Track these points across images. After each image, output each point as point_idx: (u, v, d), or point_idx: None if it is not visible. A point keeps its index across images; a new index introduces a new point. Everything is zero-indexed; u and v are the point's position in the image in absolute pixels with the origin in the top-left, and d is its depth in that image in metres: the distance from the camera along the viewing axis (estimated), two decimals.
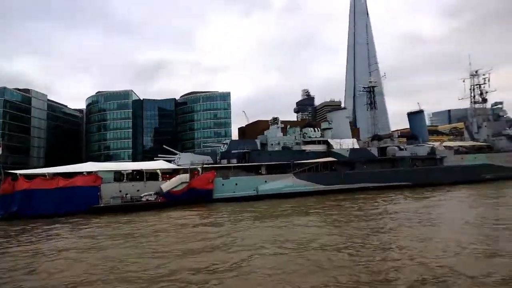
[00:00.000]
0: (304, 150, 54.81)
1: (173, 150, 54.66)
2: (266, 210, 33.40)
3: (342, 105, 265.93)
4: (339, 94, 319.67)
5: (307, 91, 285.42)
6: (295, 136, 56.16)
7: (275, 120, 57.75)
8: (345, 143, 56.31)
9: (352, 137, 65.85)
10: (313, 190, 50.50)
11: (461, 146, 70.64)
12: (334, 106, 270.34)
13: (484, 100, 74.32)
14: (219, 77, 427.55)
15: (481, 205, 31.97)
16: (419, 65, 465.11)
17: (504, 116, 76.15)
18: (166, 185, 42.94)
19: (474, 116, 74.39)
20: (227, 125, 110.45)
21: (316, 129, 58.71)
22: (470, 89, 74.47)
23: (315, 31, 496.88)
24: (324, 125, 59.75)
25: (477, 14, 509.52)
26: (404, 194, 44.41)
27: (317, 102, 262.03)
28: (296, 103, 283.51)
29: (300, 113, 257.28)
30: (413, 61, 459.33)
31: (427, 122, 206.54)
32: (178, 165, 48.78)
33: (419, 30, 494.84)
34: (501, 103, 76.30)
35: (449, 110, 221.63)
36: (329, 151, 55.39)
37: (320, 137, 57.39)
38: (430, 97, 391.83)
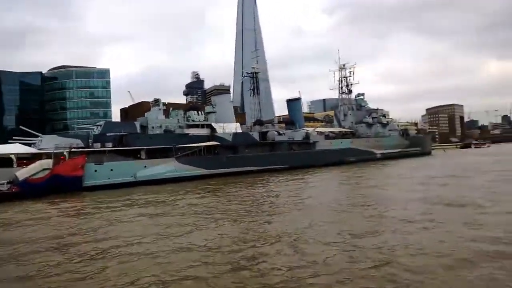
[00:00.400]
0: (187, 134, 53.52)
1: (33, 132, 47.22)
2: (137, 198, 31.38)
3: (231, 90, 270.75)
4: (229, 79, 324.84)
5: (197, 74, 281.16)
6: (178, 119, 54.33)
7: (156, 101, 54.78)
8: (229, 127, 56.90)
9: (240, 122, 67.09)
10: (196, 174, 49.85)
11: (331, 131, 78.64)
12: (223, 91, 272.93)
13: (350, 91, 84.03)
14: (101, 52, 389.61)
15: (339, 186, 35.81)
16: (302, 56, 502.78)
17: (365, 106, 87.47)
18: (23, 172, 36.83)
19: (341, 105, 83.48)
20: (106, 105, 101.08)
21: (200, 112, 57.82)
22: (339, 80, 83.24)
23: (207, 13, 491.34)
24: (208, 108, 59.24)
25: (348, 14, 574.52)
26: (280, 176, 47.16)
27: (207, 85, 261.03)
28: (186, 85, 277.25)
29: (190, 96, 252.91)
30: (298, 52, 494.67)
31: (306, 110, 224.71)
32: (39, 149, 42.35)
33: (304, 23, 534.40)
34: (362, 94, 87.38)
35: (324, 99, 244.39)
36: (213, 135, 55.26)
37: (204, 120, 56.77)
38: (311, 86, 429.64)
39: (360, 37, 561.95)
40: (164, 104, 56.35)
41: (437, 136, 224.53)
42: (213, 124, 56.28)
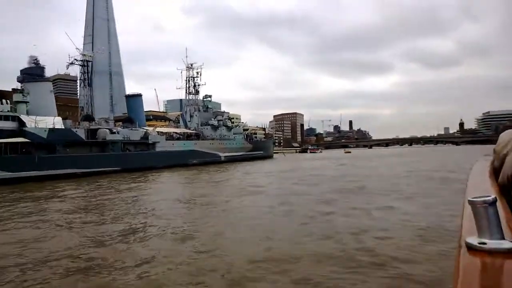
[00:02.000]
0: None
1: None
2: None
3: (78, 82, 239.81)
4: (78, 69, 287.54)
5: (36, 59, 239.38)
6: None
7: None
8: (44, 122, 47.25)
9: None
10: None
11: (176, 132, 75.45)
12: (68, 81, 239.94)
13: (197, 92, 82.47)
14: None
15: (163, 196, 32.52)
16: (163, 54, 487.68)
17: (212, 108, 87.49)
18: None
19: (187, 106, 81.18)
20: None
21: (6, 101, 46.36)
22: (186, 80, 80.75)
23: None
24: (17, 97, 47.97)
25: (207, 19, 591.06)
26: (104, 181, 41.06)
27: (50, 73, 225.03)
28: (21, 71, 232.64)
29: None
30: (158, 49, 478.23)
31: (162, 109, 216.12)
32: None
33: (164, 21, 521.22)
34: (210, 96, 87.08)
35: (181, 99, 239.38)
36: (21, 130, 44.93)
37: (10, 111, 45.70)
38: (171, 85, 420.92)
39: (218, 43, 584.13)
40: None
41: (281, 140, 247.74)
42: (22, 117, 45.80)
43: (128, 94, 70.14)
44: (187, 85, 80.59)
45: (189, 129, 78.57)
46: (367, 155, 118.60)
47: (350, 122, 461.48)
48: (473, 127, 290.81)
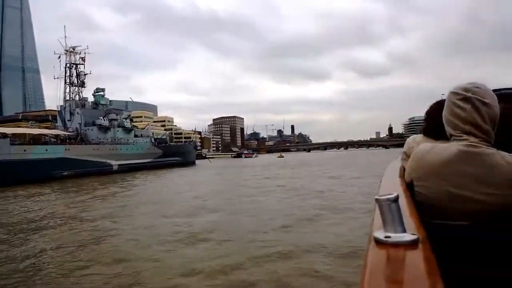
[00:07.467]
0: None
1: None
2: None
3: None
4: None
5: None
6: None
7: None
8: None
9: None
10: None
11: (43, 134, 54.85)
12: None
13: (82, 84, 62.04)
14: None
15: None
16: (98, 52, 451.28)
17: (106, 105, 67.59)
18: None
19: (67, 100, 60.60)
20: None
21: None
22: (65, 67, 60.13)
23: None
24: None
25: (143, 17, 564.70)
26: None
27: None
28: None
29: None
30: (91, 47, 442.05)
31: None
32: None
33: (94, 17, 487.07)
34: (103, 89, 67.11)
35: (111, 101, 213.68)
36: None
37: None
38: (113, 86, 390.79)
39: (157, 44, 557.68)
40: None
41: (219, 144, 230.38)
42: None
43: None
44: (67, 74, 59.99)
45: (67, 130, 58.16)
46: (300, 159, 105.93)
47: (292, 127, 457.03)
48: (401, 132, 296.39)
